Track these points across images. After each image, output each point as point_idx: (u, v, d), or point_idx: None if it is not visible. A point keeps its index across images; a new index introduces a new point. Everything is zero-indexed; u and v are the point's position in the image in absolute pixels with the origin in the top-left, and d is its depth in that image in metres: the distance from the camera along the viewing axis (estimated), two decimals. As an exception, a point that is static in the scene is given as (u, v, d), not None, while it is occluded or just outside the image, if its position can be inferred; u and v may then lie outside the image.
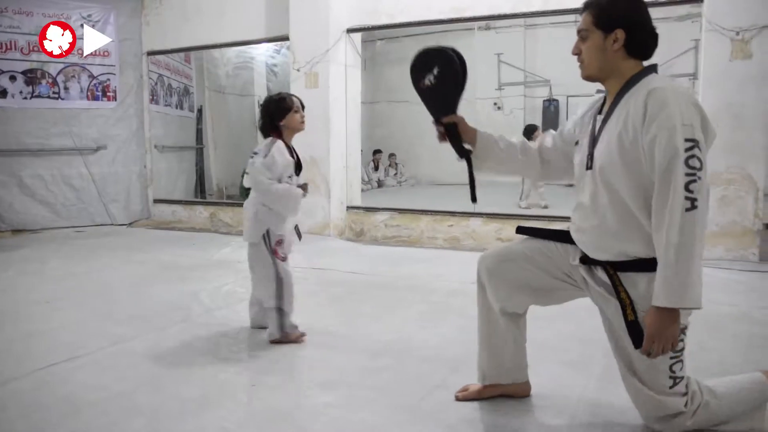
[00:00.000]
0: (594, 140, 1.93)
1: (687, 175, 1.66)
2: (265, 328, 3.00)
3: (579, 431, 2.01)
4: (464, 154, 2.15)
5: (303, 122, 3.00)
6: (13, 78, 6.79)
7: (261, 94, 9.43)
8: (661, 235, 1.70)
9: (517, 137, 2.24)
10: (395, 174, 11.31)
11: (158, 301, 3.74)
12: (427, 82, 2.09)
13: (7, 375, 2.53)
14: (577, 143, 2.04)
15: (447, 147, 2.12)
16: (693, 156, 1.67)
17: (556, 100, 10.35)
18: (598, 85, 1.97)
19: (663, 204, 1.70)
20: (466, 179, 2.17)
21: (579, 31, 1.91)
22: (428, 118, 2.12)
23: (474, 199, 2.21)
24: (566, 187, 9.66)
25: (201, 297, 3.82)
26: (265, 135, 3.00)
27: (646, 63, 1.90)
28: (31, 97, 6.91)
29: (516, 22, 9.16)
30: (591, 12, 1.88)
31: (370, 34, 6.96)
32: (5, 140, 6.76)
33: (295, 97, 3.02)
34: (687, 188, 1.66)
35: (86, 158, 7.25)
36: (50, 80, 7.00)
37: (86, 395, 2.32)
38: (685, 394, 1.90)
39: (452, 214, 5.97)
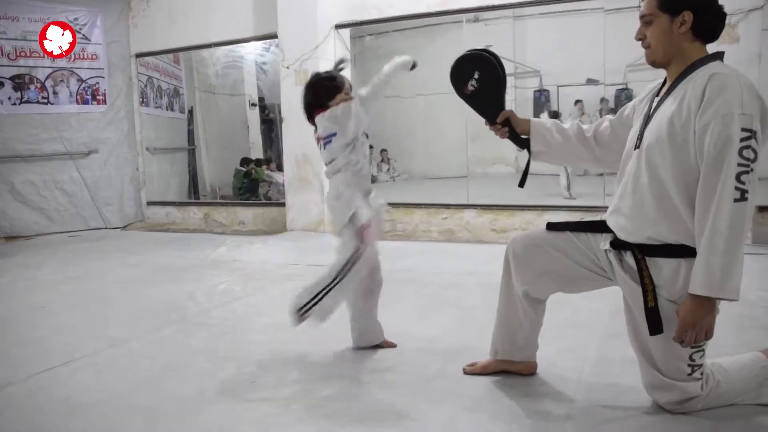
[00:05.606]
0: (647, 120, 1.90)
1: (740, 165, 1.63)
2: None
3: (578, 416, 2.02)
4: (524, 145, 2.21)
5: None
6: (0, 84, 6.76)
7: (251, 93, 9.41)
8: (705, 222, 1.68)
9: (570, 122, 2.23)
10: (388, 169, 11.31)
11: (154, 302, 3.73)
12: (470, 87, 2.14)
13: (4, 380, 2.52)
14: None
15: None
16: (748, 147, 1.64)
17: (547, 91, 10.37)
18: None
19: (710, 192, 1.67)
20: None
21: (642, 16, 1.86)
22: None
23: (522, 185, 2.27)
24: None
25: (197, 297, 3.82)
26: (309, 116, 2.62)
27: (711, 46, 1.85)
28: (20, 103, 6.88)
29: (504, 14, 9.14)
30: None
31: (359, 29, 6.95)
32: (-5, 147, 6.74)
33: (344, 78, 2.63)
34: (738, 179, 1.63)
35: (78, 162, 7.22)
36: (39, 85, 6.97)
37: (84, 398, 2.32)
38: (701, 378, 1.92)
39: (446, 206, 5.99)
